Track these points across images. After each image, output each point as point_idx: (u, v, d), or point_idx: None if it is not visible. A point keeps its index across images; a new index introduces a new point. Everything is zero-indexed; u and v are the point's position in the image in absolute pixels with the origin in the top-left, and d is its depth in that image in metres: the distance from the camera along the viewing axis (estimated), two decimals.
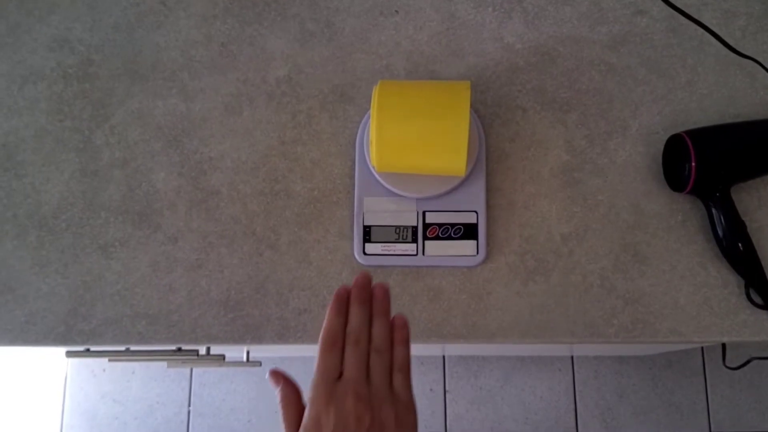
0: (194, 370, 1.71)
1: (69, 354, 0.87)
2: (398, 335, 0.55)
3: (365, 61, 0.84)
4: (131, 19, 0.87)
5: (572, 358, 1.66)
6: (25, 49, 0.86)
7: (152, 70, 0.85)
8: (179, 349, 0.87)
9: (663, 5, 0.81)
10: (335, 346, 0.53)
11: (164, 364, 0.99)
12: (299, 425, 0.51)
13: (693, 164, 0.73)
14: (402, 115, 0.72)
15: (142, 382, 1.71)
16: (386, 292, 0.57)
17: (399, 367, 0.54)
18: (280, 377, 0.55)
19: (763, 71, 0.81)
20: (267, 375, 0.56)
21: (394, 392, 0.52)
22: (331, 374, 0.52)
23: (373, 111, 0.71)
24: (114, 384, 1.71)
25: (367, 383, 0.51)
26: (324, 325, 0.54)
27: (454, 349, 1.57)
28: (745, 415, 1.60)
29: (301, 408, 0.53)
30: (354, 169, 0.80)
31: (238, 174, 0.81)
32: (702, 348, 1.61)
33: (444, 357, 1.68)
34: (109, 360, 0.93)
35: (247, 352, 1.08)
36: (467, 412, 1.64)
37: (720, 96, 0.81)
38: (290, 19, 0.86)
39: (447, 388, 1.66)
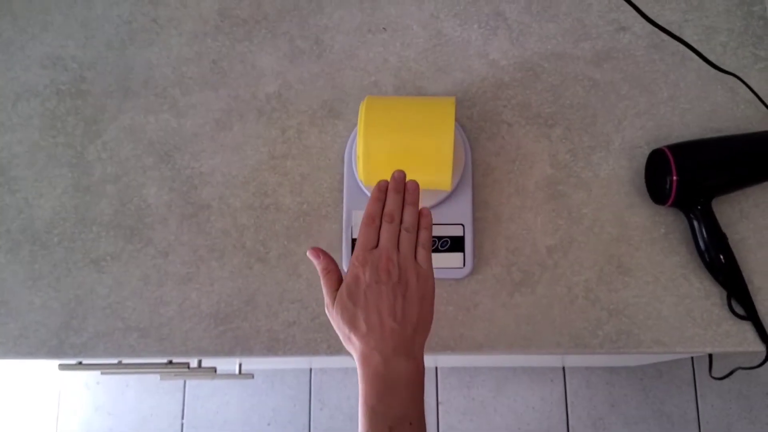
0: (188, 382, 1.71)
1: (62, 367, 0.88)
2: (424, 221, 0.67)
3: (354, 78, 0.86)
4: (123, 36, 0.88)
5: (564, 368, 1.67)
6: (18, 66, 0.88)
7: (144, 87, 0.86)
8: (170, 362, 0.88)
9: (645, 22, 0.83)
10: (374, 223, 0.65)
11: (158, 376, 1.00)
12: (338, 289, 0.63)
13: (675, 178, 0.75)
14: (389, 130, 0.73)
15: (136, 394, 1.71)
16: (417, 187, 0.68)
17: (423, 244, 0.65)
18: (320, 252, 0.67)
19: (744, 86, 0.82)
20: (307, 252, 0.67)
21: (418, 262, 0.64)
22: (370, 244, 0.64)
23: (360, 126, 0.72)
24: (108, 396, 1.72)
25: (397, 252, 0.63)
26: (366, 208, 0.66)
27: (446, 361, 1.58)
28: (735, 425, 1.61)
29: (340, 276, 0.65)
30: (343, 183, 0.81)
31: (229, 188, 0.82)
32: (692, 358, 1.62)
33: (436, 368, 1.69)
34: (102, 373, 0.93)
35: (240, 365, 1.08)
36: (460, 423, 1.65)
37: (701, 111, 0.83)
38: (280, 37, 0.87)
39: (439, 400, 1.66)
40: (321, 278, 0.65)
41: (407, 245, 0.64)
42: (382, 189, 0.67)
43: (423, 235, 0.65)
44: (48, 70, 0.87)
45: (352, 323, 0.60)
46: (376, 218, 0.65)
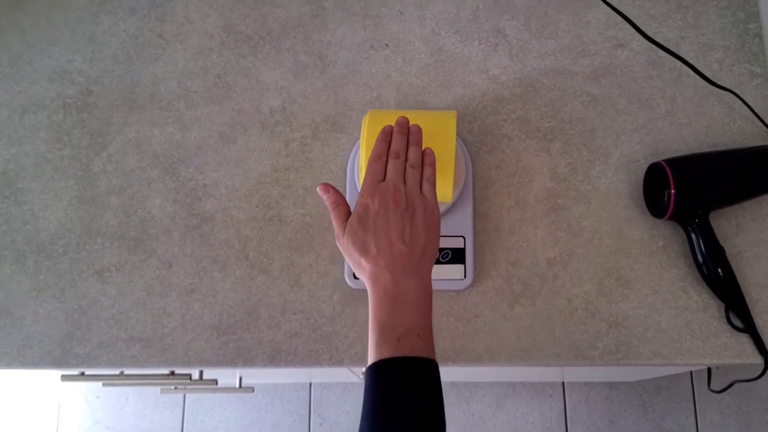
0: (187, 396, 1.71)
1: (64, 378, 0.89)
2: (427, 159, 0.70)
3: (356, 92, 0.87)
4: (130, 51, 0.90)
5: (563, 384, 1.67)
6: (26, 80, 0.89)
7: (150, 101, 0.87)
8: (172, 373, 0.89)
9: (643, 39, 0.84)
10: (381, 160, 0.68)
11: (157, 390, 1.00)
12: (347, 221, 0.66)
13: (672, 191, 0.76)
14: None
15: (135, 408, 1.71)
16: (420, 129, 0.71)
17: (427, 179, 0.68)
18: (329, 187, 0.69)
19: (740, 102, 0.84)
20: (318, 189, 0.70)
21: (423, 195, 0.67)
22: (377, 177, 0.67)
23: (363, 139, 0.73)
24: (107, 411, 1.71)
25: (404, 185, 0.66)
26: (373, 148, 0.69)
27: (446, 375, 1.58)
28: None
29: (348, 209, 0.68)
30: (345, 195, 0.82)
31: (232, 200, 0.83)
32: (691, 374, 1.62)
33: None
34: (104, 384, 0.94)
35: (240, 378, 1.09)
36: None
37: (698, 126, 0.84)
38: (284, 52, 0.89)
39: None
40: (330, 212, 0.68)
41: (413, 179, 0.67)
42: (388, 132, 0.71)
43: (427, 171, 0.69)
44: (55, 83, 0.89)
45: (362, 248, 0.63)
46: (383, 156, 0.69)
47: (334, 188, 0.70)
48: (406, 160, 0.69)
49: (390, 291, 0.61)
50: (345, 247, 0.65)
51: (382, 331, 0.60)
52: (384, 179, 0.67)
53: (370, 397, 0.58)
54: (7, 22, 0.92)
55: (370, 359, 0.60)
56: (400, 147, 0.69)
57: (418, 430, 0.56)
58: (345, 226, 0.65)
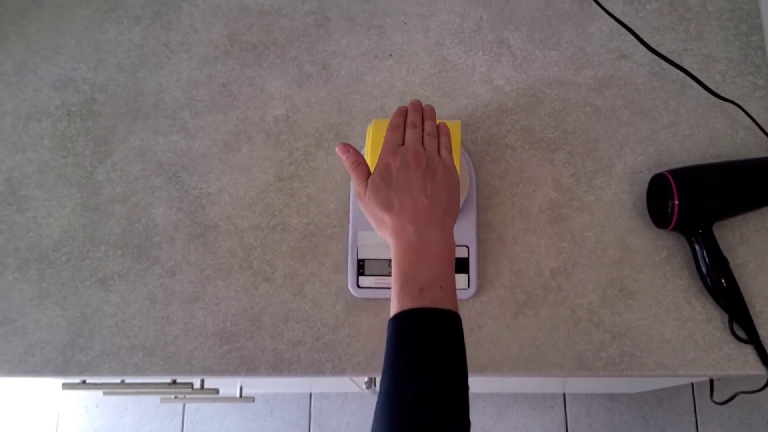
0: (187, 406, 1.70)
1: (65, 386, 0.88)
2: (443, 130, 0.70)
3: (360, 102, 0.87)
4: (135, 60, 0.90)
5: (564, 395, 1.66)
6: (30, 88, 0.89)
7: (154, 109, 0.88)
8: (174, 382, 0.88)
9: (646, 50, 0.85)
10: (399, 129, 0.69)
11: (157, 400, 1.00)
12: (367, 180, 0.66)
13: (676, 202, 0.76)
14: None
15: (135, 418, 1.70)
16: (433, 108, 0.73)
17: (444, 146, 0.69)
18: (349, 146, 0.70)
19: (743, 114, 0.84)
20: (337, 150, 0.70)
21: (442, 158, 0.67)
22: (397, 142, 0.68)
23: (368, 148, 0.74)
24: (106, 420, 1.71)
25: (422, 148, 0.67)
26: (390, 121, 0.70)
27: None
28: None
29: (368, 168, 0.68)
30: (349, 204, 0.82)
31: (236, 209, 0.83)
32: (692, 386, 1.62)
33: None
34: (104, 393, 0.93)
35: (240, 388, 1.08)
36: None
37: (702, 137, 0.84)
38: (289, 62, 0.89)
39: None
40: (350, 172, 0.68)
41: (431, 145, 0.68)
42: (403, 110, 0.72)
43: (443, 140, 0.69)
44: (60, 91, 0.89)
45: (385, 204, 0.64)
46: (400, 126, 0.70)
47: (353, 148, 0.70)
48: (422, 131, 0.70)
49: (413, 243, 0.61)
50: (367, 204, 0.65)
51: (405, 282, 0.60)
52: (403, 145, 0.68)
53: (392, 347, 0.57)
54: (12, 30, 0.92)
55: (393, 310, 0.59)
56: (416, 119, 0.70)
57: (441, 380, 0.56)
58: (366, 185, 0.66)
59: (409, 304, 0.58)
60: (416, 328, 0.58)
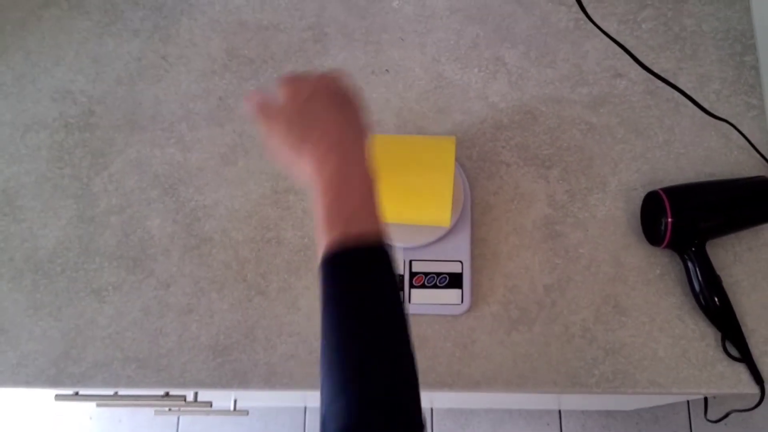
0: (181, 419, 1.70)
1: (58, 397, 0.88)
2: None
3: None
4: (133, 72, 0.91)
5: (560, 411, 1.66)
6: (29, 99, 0.90)
7: (152, 122, 0.88)
8: (167, 394, 0.88)
9: (641, 69, 0.86)
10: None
11: (151, 412, 1.00)
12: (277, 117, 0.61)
13: (669, 220, 0.76)
14: (390, 168, 0.74)
15: (129, 431, 1.69)
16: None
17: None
18: (255, 93, 0.63)
19: (737, 133, 0.84)
20: (244, 101, 0.63)
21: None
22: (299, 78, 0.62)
23: None
24: None
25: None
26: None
27: (442, 401, 1.57)
28: None
29: (276, 107, 0.62)
30: None
31: (231, 221, 0.84)
32: (688, 403, 1.61)
33: (432, 410, 1.68)
34: (97, 405, 0.93)
35: (235, 401, 1.08)
36: None
37: (696, 155, 0.85)
38: None
39: None
40: (258, 114, 0.63)
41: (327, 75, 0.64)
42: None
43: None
44: (58, 103, 0.90)
45: (302, 136, 0.59)
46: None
47: (260, 93, 0.64)
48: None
49: (340, 170, 0.56)
50: (282, 139, 0.60)
51: (330, 218, 0.54)
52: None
53: (330, 287, 0.53)
54: (12, 41, 0.93)
55: (323, 246, 0.54)
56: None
57: (383, 320, 0.53)
58: (272, 124, 0.61)
59: (338, 236, 0.53)
60: (349, 269, 0.54)
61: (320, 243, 0.55)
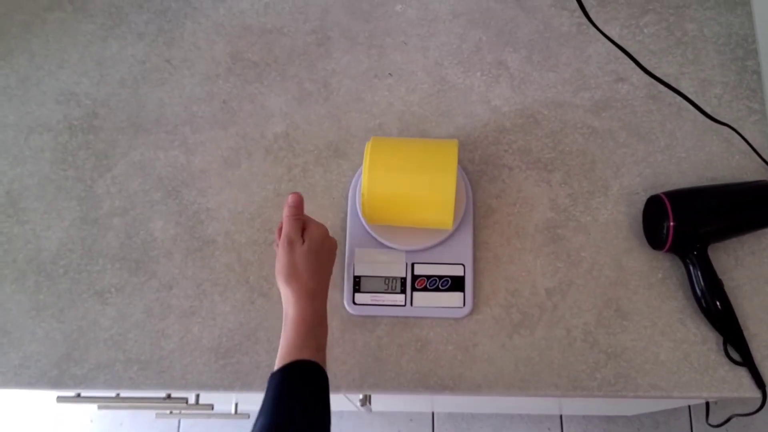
0: (182, 422, 1.69)
1: (60, 399, 0.88)
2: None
3: (359, 120, 0.88)
4: (137, 75, 0.91)
5: (561, 416, 1.65)
6: (33, 102, 0.90)
7: (155, 124, 0.89)
8: (169, 396, 0.88)
9: (643, 74, 0.86)
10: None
11: (152, 416, 1.00)
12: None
13: (671, 224, 0.76)
14: (392, 170, 0.75)
15: None
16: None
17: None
18: (298, 199, 0.73)
19: (738, 137, 0.85)
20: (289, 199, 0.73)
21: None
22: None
23: (365, 165, 0.74)
24: None
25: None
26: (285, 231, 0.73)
27: (443, 405, 1.57)
28: None
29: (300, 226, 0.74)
30: (346, 221, 0.82)
31: (234, 224, 0.84)
32: (689, 408, 1.61)
33: (433, 414, 1.67)
34: (99, 407, 0.93)
35: (236, 404, 1.08)
36: None
37: (697, 160, 0.85)
38: (289, 80, 0.90)
39: None
40: (280, 243, 0.72)
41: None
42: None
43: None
44: (62, 105, 0.90)
45: (294, 277, 0.70)
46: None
47: (300, 203, 0.74)
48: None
49: (319, 312, 0.71)
50: (281, 269, 0.71)
51: (311, 336, 0.68)
52: None
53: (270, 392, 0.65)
54: (17, 44, 0.93)
55: (281, 361, 0.66)
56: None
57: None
58: (286, 257, 0.71)
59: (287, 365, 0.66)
60: (293, 378, 0.66)
61: (284, 356, 0.66)
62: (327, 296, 0.73)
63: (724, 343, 0.78)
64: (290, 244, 0.71)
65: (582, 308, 0.80)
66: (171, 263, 0.83)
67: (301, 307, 0.69)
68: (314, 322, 0.69)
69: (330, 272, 0.75)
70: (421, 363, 0.78)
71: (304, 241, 0.72)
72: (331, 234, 0.83)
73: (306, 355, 0.66)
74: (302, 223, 0.74)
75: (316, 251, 0.72)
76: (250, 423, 0.63)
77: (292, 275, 0.70)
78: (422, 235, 0.79)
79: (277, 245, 0.74)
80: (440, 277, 0.79)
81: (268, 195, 0.85)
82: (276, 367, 0.66)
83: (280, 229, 0.74)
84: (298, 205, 0.73)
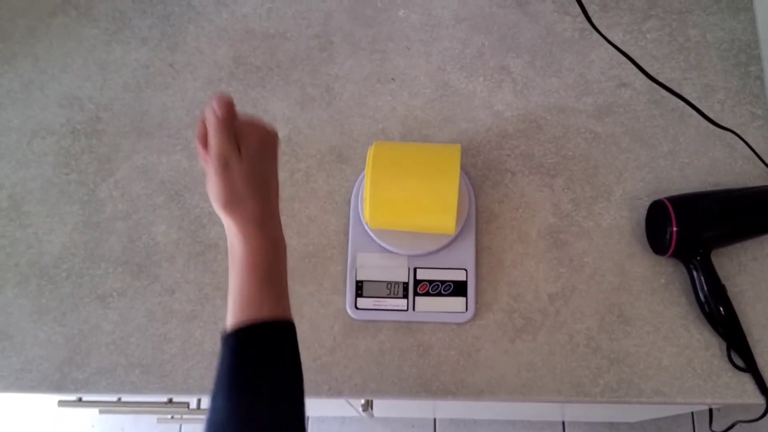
0: (183, 427, 1.69)
1: (61, 403, 0.88)
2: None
3: (362, 125, 0.88)
4: (140, 80, 0.91)
5: (563, 423, 1.65)
6: (36, 105, 0.90)
7: (158, 128, 0.89)
8: (170, 401, 0.88)
9: (646, 79, 0.86)
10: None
11: (154, 420, 0.99)
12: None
13: (674, 229, 0.76)
14: (395, 175, 0.75)
15: None
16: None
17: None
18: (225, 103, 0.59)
19: (742, 142, 0.85)
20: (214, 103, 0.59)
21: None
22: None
23: (368, 170, 0.74)
24: None
25: None
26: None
27: (445, 411, 1.57)
28: None
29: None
30: (348, 226, 0.82)
31: None
32: (692, 415, 1.61)
33: (435, 419, 1.67)
34: (100, 411, 0.93)
35: None
36: None
37: (700, 165, 0.85)
38: (292, 84, 0.90)
39: None
40: (204, 159, 0.61)
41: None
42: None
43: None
44: (65, 109, 0.90)
45: (237, 201, 0.59)
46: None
47: (230, 109, 0.60)
48: None
49: (278, 237, 0.63)
50: (217, 194, 0.60)
51: (270, 275, 0.59)
52: None
53: (226, 359, 0.57)
54: (20, 48, 0.93)
55: (233, 317, 0.57)
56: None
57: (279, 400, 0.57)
58: (221, 176, 0.59)
59: (240, 324, 0.57)
60: (252, 346, 0.57)
61: (238, 311, 0.57)
62: (278, 210, 0.62)
63: (728, 349, 0.77)
64: (224, 163, 0.58)
65: (585, 313, 0.80)
66: (173, 267, 0.83)
67: (250, 240, 0.58)
68: (269, 255, 0.59)
69: (275, 175, 0.63)
70: (424, 368, 0.78)
71: (240, 154, 0.59)
72: (333, 239, 0.83)
73: (266, 312, 0.57)
74: (234, 131, 0.59)
75: (258, 164, 0.60)
76: None
77: (232, 201, 0.58)
78: (425, 239, 0.79)
79: (205, 161, 0.61)
80: (443, 282, 0.79)
81: None
82: (229, 322, 0.57)
83: (203, 136, 0.60)
84: (229, 113, 0.59)
